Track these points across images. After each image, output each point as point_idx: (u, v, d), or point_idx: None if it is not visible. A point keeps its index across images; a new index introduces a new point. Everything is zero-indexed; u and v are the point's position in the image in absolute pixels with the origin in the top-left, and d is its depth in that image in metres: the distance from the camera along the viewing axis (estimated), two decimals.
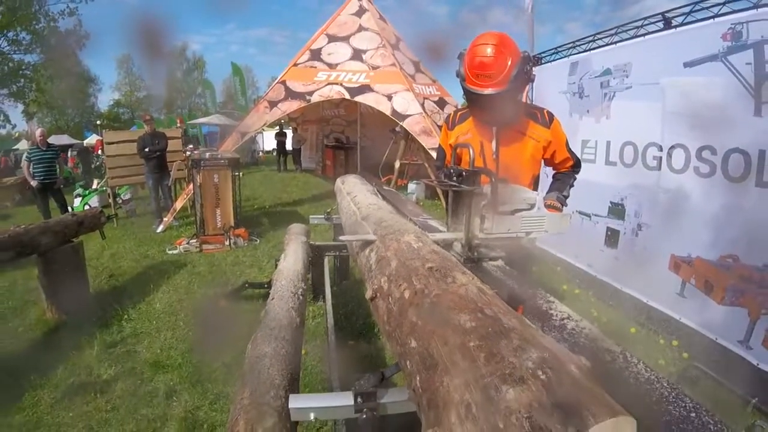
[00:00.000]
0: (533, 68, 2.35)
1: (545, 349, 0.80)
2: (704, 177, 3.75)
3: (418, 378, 0.93)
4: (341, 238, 2.16)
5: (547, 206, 2.23)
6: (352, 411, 1.15)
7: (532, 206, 1.94)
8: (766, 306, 3.29)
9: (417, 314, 1.05)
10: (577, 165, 2.63)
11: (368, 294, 1.35)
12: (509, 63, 2.16)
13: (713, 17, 3.72)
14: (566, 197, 2.55)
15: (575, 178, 2.65)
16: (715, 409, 0.94)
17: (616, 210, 4.75)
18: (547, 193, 2.52)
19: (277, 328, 2.08)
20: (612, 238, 4.83)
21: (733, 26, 3.51)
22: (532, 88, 6.04)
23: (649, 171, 4.31)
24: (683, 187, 3.96)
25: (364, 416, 1.11)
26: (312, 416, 1.20)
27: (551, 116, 2.48)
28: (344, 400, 1.16)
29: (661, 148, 4.17)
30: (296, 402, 1.20)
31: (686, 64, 3.90)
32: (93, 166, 17.73)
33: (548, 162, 2.61)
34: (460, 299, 1.01)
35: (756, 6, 3.37)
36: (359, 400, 1.13)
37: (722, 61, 3.60)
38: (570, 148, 2.58)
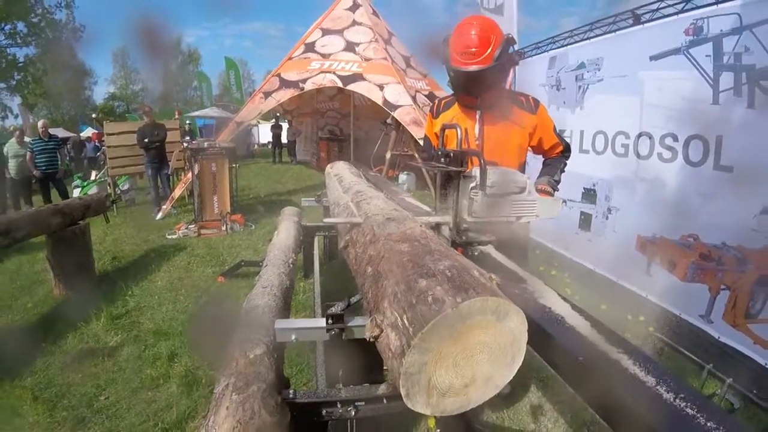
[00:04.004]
0: (518, 55, 2.41)
1: (457, 260, 1.11)
2: (667, 162, 4.01)
3: (370, 292, 1.23)
4: (326, 220, 2.19)
5: (539, 190, 2.22)
6: (325, 332, 1.43)
7: (522, 190, 1.89)
8: (725, 282, 3.49)
9: (374, 249, 1.35)
10: (567, 149, 2.61)
11: (341, 244, 1.65)
12: (492, 41, 2.17)
13: (677, 13, 3.97)
14: (558, 182, 2.51)
15: (566, 163, 2.62)
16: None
17: (589, 195, 5.03)
18: (538, 177, 2.50)
19: (269, 287, 2.36)
20: (585, 221, 5.12)
21: (695, 21, 3.74)
22: (515, 81, 6.31)
23: (618, 158, 4.59)
24: (648, 172, 4.22)
25: (333, 332, 1.40)
26: (293, 337, 1.47)
27: (537, 102, 2.46)
28: (319, 323, 1.45)
29: (628, 136, 4.45)
30: (281, 324, 1.48)
31: (652, 58, 4.16)
32: (84, 156, 17.63)
33: (537, 149, 2.58)
34: (405, 236, 1.32)
35: (716, 2, 3.61)
36: (329, 321, 1.41)
37: (684, 54, 3.85)
38: (558, 133, 2.56)
